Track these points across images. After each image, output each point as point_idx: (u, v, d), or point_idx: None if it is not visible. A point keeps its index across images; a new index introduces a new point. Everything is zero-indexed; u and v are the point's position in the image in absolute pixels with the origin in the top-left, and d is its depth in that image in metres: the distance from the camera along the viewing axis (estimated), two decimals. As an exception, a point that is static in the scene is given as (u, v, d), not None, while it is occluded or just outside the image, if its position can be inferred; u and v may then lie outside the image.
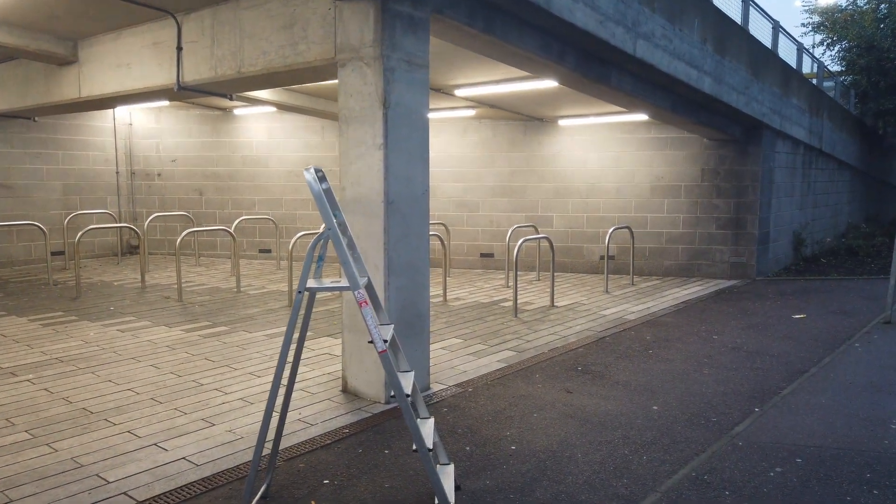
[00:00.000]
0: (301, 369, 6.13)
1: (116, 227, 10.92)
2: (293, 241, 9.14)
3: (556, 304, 9.34)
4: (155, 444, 4.43)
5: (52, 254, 12.32)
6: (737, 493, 3.72)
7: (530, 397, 5.37)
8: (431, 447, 3.23)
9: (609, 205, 12.09)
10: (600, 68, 7.42)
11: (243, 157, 13.44)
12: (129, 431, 4.66)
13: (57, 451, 4.33)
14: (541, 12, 5.80)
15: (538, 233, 11.51)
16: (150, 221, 13.03)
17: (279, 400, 3.88)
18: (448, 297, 9.74)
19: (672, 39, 7.87)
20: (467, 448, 4.35)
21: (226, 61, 6.23)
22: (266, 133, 13.32)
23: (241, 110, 12.93)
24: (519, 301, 9.48)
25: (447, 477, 3.54)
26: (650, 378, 5.90)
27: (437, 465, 3.68)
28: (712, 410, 5.07)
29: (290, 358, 3.48)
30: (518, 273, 12.19)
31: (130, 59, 7.38)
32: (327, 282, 3.36)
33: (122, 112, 13.64)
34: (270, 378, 5.88)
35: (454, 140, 12.55)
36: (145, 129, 13.87)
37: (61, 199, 12.90)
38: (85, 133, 13.21)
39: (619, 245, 11.98)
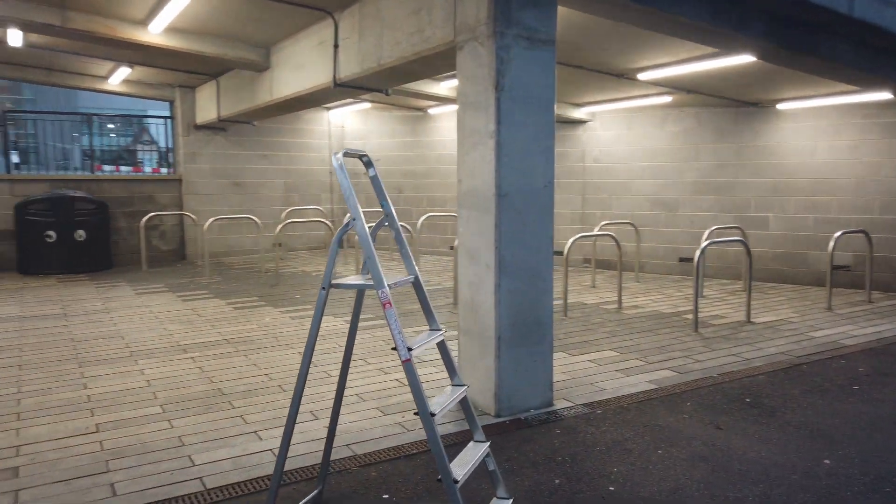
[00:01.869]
0: (428, 369, 5.89)
1: (312, 221, 11.75)
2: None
3: (753, 319, 7.94)
4: (255, 433, 4.49)
5: (274, 245, 13.72)
6: None
7: (665, 429, 4.50)
8: (459, 478, 2.73)
9: (844, 204, 10.04)
10: (803, 35, 6.06)
11: (438, 155, 13.69)
12: (241, 416, 4.80)
13: (173, 427, 4.59)
14: (704, -31, 4.85)
15: (744, 235, 9.95)
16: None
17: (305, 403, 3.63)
18: (625, 304, 8.82)
19: (912, -8, 6.16)
20: (556, 481, 3.72)
21: (369, 55, 6.22)
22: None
23: (434, 110, 13.17)
24: (708, 314, 8.25)
25: (497, 515, 3.00)
26: (837, 422, 4.61)
27: (494, 499, 3.16)
28: (912, 477, 3.76)
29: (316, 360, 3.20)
30: (723, 282, 10.72)
31: (304, 60, 7.78)
32: (361, 278, 3.04)
33: (336, 116, 14.71)
34: (397, 375, 5.74)
35: (649, 132, 11.41)
36: (355, 130, 14.80)
37: (282, 196, 14.30)
38: (304, 136, 14.49)
39: (857, 253, 9.90)
